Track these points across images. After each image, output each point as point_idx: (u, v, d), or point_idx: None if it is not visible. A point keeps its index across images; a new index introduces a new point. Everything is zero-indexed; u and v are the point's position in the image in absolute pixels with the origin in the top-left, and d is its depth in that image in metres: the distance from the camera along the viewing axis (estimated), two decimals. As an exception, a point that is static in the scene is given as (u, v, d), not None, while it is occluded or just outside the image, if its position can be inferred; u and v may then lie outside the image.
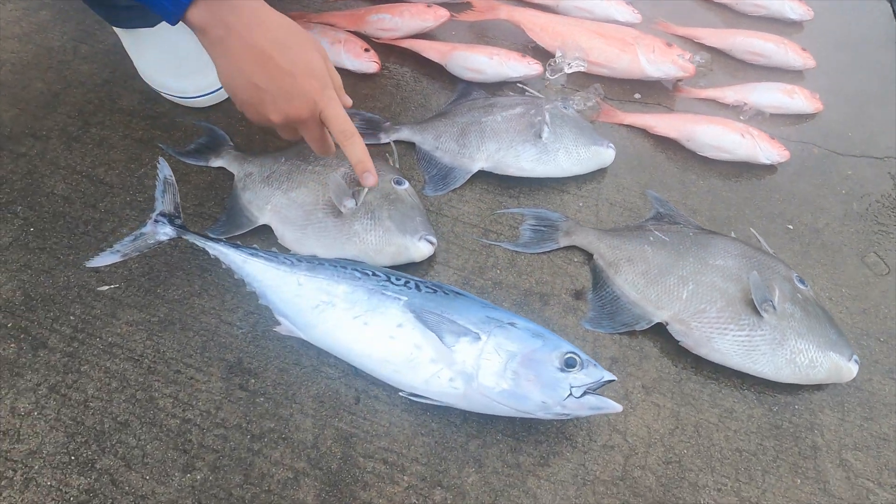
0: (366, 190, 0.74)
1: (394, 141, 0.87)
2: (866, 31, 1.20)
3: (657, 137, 0.93)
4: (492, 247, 0.78)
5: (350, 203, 0.72)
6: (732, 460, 0.61)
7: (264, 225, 0.75)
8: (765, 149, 0.87)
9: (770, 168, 0.90)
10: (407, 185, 0.76)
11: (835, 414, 0.66)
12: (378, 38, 1.04)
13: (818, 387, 0.66)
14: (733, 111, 0.98)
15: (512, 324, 0.59)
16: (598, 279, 0.74)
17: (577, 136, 0.85)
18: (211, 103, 0.90)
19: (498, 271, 0.75)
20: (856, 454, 0.63)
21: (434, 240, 0.73)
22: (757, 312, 0.65)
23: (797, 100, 0.97)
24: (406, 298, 0.60)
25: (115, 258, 0.62)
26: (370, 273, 0.63)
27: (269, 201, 0.75)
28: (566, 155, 0.83)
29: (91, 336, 0.66)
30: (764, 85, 0.98)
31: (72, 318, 0.67)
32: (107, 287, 0.70)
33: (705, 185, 0.88)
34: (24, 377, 0.62)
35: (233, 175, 0.81)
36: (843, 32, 1.19)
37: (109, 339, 0.65)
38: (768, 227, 0.83)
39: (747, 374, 0.65)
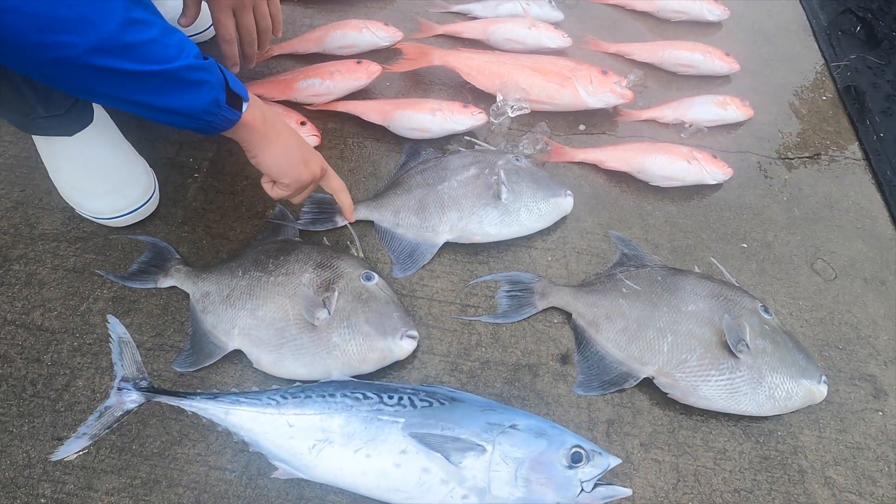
0: (336, 294, 0.71)
1: (351, 224, 0.84)
2: (779, 21, 1.26)
3: (609, 171, 0.94)
4: (473, 323, 0.77)
5: (323, 313, 0.69)
6: (734, 502, 0.65)
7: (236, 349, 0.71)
8: (711, 171, 0.90)
9: (717, 186, 0.94)
10: (376, 278, 0.74)
11: (812, 433, 0.71)
12: (311, 106, 0.99)
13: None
14: (674, 129, 1.01)
15: (513, 426, 0.59)
16: (581, 339, 0.75)
17: (535, 190, 0.85)
18: (130, 223, 0.83)
19: (483, 349, 0.75)
20: (836, 469, 0.68)
21: (415, 333, 0.71)
22: (734, 354, 0.68)
23: (730, 110, 1.00)
24: (404, 420, 0.59)
25: (83, 443, 0.57)
26: (361, 396, 0.61)
27: (236, 324, 0.71)
28: (528, 213, 0.83)
29: (71, 521, 0.61)
30: (698, 100, 1.01)
31: (43, 500, 0.62)
32: (74, 454, 0.64)
33: (662, 215, 0.91)
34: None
35: (188, 293, 0.76)
36: (759, 26, 1.24)
37: (92, 519, 0.61)
38: (725, 249, 0.87)
39: (732, 410, 0.69)
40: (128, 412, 0.59)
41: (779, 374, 0.68)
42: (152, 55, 0.53)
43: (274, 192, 0.74)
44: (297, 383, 0.64)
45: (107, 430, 0.58)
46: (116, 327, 0.60)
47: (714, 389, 0.68)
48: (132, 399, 0.59)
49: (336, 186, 0.79)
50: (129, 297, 0.77)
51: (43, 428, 0.66)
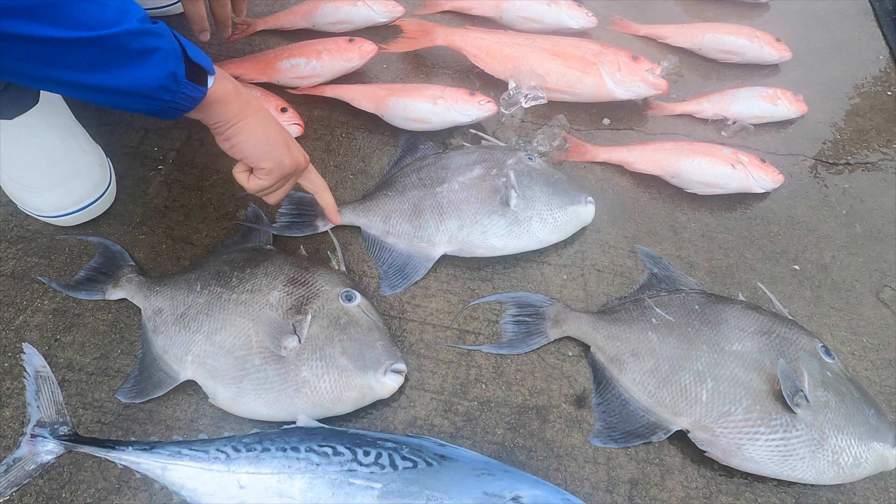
0: (309, 318, 0.60)
1: (333, 229, 0.72)
2: (836, 4, 1.10)
3: (637, 175, 0.81)
4: (472, 353, 0.66)
5: (291, 342, 0.58)
6: (783, 590, 0.53)
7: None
8: (758, 177, 0.77)
9: (764, 195, 0.81)
10: (359, 299, 0.62)
11: None
12: (295, 90, 0.86)
13: (856, 467, 0.59)
14: (714, 126, 0.87)
15: (516, 499, 0.48)
16: (600, 379, 0.63)
17: (551, 196, 0.72)
18: (79, 221, 0.72)
19: (483, 386, 0.64)
20: (910, 551, 0.56)
21: (402, 367, 0.60)
22: (789, 409, 0.56)
23: (781, 106, 0.86)
24: (380, 486, 0.48)
25: (-15, 503, 0.47)
26: (330, 451, 0.50)
27: (190, 350, 0.60)
28: (541, 223, 0.71)
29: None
30: (744, 92, 0.87)
31: (-50, 559, 0.52)
32: (-7, 503, 0.54)
33: (697, 227, 0.78)
34: None
35: (139, 307, 0.65)
36: (812, 9, 1.08)
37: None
38: (773, 271, 0.74)
39: (781, 471, 0.57)
40: (43, 465, 0.48)
41: (845, 434, 0.56)
42: (83, 18, 0.41)
43: (251, 183, 0.61)
44: (255, 430, 0.53)
45: (15, 489, 0.47)
46: (33, 358, 0.50)
47: (763, 451, 0.56)
48: (48, 449, 0.48)
49: (318, 183, 0.67)
50: (72, 309, 0.66)
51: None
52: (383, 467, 0.49)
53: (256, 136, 0.57)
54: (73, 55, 0.42)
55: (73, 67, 0.43)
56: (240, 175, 0.62)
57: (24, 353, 0.50)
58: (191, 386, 0.61)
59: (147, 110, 0.49)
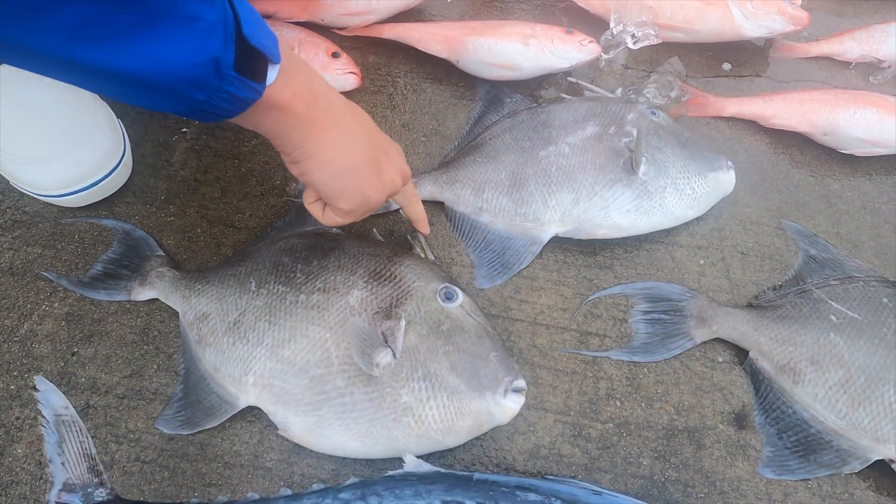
0: (403, 324, 0.46)
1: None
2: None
3: (775, 132, 0.66)
4: (599, 361, 0.52)
5: (385, 356, 0.45)
6: None
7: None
8: (933, 133, 0.62)
9: (931, 155, 0.66)
10: (461, 296, 0.48)
11: None
12: (346, 30, 0.69)
13: None
14: (859, 71, 0.72)
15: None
16: (765, 392, 0.50)
17: (686, 159, 0.57)
18: (90, 202, 0.57)
19: (618, 403, 0.51)
20: None
21: (523, 383, 0.46)
22: None
23: (944, 44, 0.70)
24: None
25: None
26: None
27: (250, 368, 0.46)
28: (676, 194, 0.56)
29: None
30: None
31: None
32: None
33: (856, 198, 0.63)
34: None
35: (175, 310, 0.51)
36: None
37: None
38: (954, 249, 0.60)
39: None
40: (74, 544, 0.36)
41: None
42: None
43: (327, 217, 0.46)
44: (351, 479, 0.40)
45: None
46: (51, 397, 0.36)
47: None
48: (80, 522, 0.35)
49: (410, 194, 0.51)
50: (90, 313, 0.52)
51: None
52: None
53: (336, 163, 0.41)
54: (55, 11, 0.26)
55: (55, 32, 0.26)
56: (312, 206, 0.46)
57: (38, 391, 0.36)
58: (251, 409, 0.48)
59: (168, 108, 0.33)
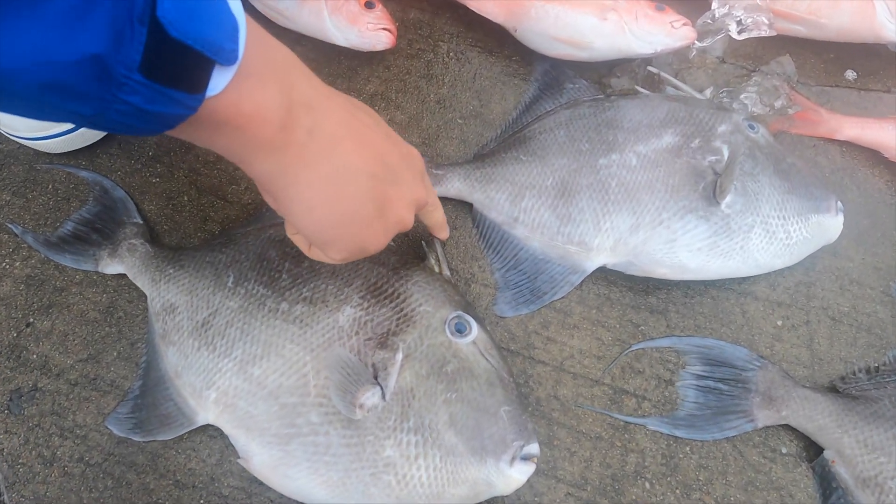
0: (399, 358, 0.37)
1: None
2: None
3: (892, 164, 0.52)
4: (630, 428, 0.43)
5: (371, 397, 0.36)
6: None
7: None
8: None
9: None
10: (476, 330, 0.39)
11: None
12: (386, -24, 0.58)
13: None
14: None
15: None
16: (836, 502, 0.41)
17: (785, 194, 0.45)
18: (64, 149, 0.49)
19: (647, 484, 0.42)
20: None
21: (536, 449, 0.38)
22: None
23: None
24: None
25: None
26: None
27: (213, 382, 0.39)
28: (765, 237, 0.44)
29: None
30: None
31: None
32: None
33: None
34: None
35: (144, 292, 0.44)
36: None
37: None
38: None
39: None
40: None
41: None
42: None
43: (312, 253, 0.36)
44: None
45: None
46: None
47: None
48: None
49: (433, 206, 0.40)
50: (52, 280, 0.46)
51: None
52: None
53: (323, 210, 0.31)
54: None
55: None
56: (295, 238, 0.36)
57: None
58: (215, 427, 0.41)
59: (50, 118, 0.23)
